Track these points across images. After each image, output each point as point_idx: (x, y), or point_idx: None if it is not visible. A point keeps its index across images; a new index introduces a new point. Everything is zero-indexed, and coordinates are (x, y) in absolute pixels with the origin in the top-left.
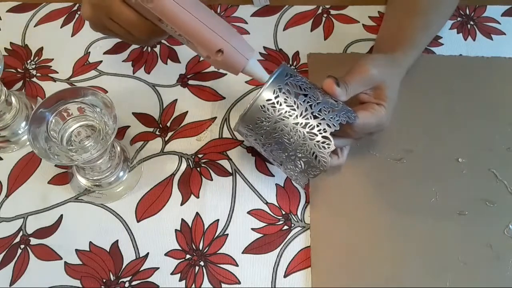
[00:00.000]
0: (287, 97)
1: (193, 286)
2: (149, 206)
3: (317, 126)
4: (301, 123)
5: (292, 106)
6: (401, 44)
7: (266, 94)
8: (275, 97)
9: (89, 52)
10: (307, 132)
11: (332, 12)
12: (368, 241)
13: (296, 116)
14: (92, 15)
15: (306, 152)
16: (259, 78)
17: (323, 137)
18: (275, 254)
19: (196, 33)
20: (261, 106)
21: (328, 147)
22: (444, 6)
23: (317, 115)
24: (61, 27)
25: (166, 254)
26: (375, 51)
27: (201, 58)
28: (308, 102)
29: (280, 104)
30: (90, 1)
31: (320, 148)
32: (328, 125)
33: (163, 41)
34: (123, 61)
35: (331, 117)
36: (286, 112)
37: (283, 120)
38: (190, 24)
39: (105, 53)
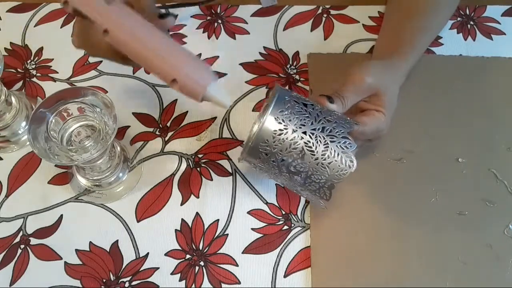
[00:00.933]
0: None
1: (193, 286)
2: (149, 206)
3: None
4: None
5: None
6: (400, 47)
7: (262, 135)
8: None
9: None
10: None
11: (332, 12)
12: (368, 241)
13: (284, 149)
14: (79, 45)
15: (313, 184)
16: (222, 105)
17: (321, 168)
18: (275, 254)
19: (151, 64)
20: (260, 146)
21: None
22: (443, 8)
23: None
24: (61, 27)
25: (166, 254)
26: (375, 55)
27: (201, 58)
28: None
29: (281, 141)
30: (75, 33)
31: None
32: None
33: None
34: None
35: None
36: (285, 150)
37: (278, 146)
38: (144, 56)
39: None
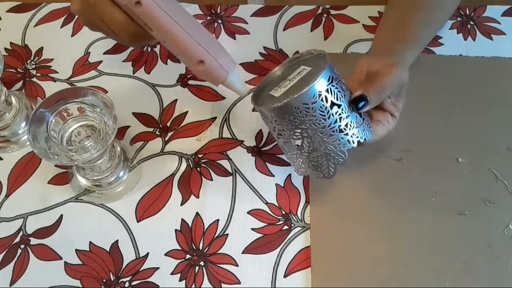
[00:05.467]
0: (323, 105)
1: (193, 286)
2: (149, 206)
3: (339, 140)
4: (326, 134)
5: (325, 116)
6: (404, 39)
7: (305, 97)
8: (312, 103)
9: (89, 52)
10: (328, 144)
11: (332, 12)
12: (368, 241)
13: (324, 126)
14: (81, 11)
15: (319, 159)
16: (238, 92)
17: (340, 151)
18: (275, 254)
19: (181, 43)
20: (295, 107)
21: (341, 162)
22: (448, 2)
23: (342, 129)
24: (61, 27)
25: (166, 254)
26: (374, 47)
27: None
28: (339, 114)
29: (314, 111)
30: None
31: (333, 160)
32: (348, 141)
33: None
34: (123, 61)
35: (353, 134)
36: (316, 119)
37: (311, 127)
38: (175, 33)
39: (105, 53)
